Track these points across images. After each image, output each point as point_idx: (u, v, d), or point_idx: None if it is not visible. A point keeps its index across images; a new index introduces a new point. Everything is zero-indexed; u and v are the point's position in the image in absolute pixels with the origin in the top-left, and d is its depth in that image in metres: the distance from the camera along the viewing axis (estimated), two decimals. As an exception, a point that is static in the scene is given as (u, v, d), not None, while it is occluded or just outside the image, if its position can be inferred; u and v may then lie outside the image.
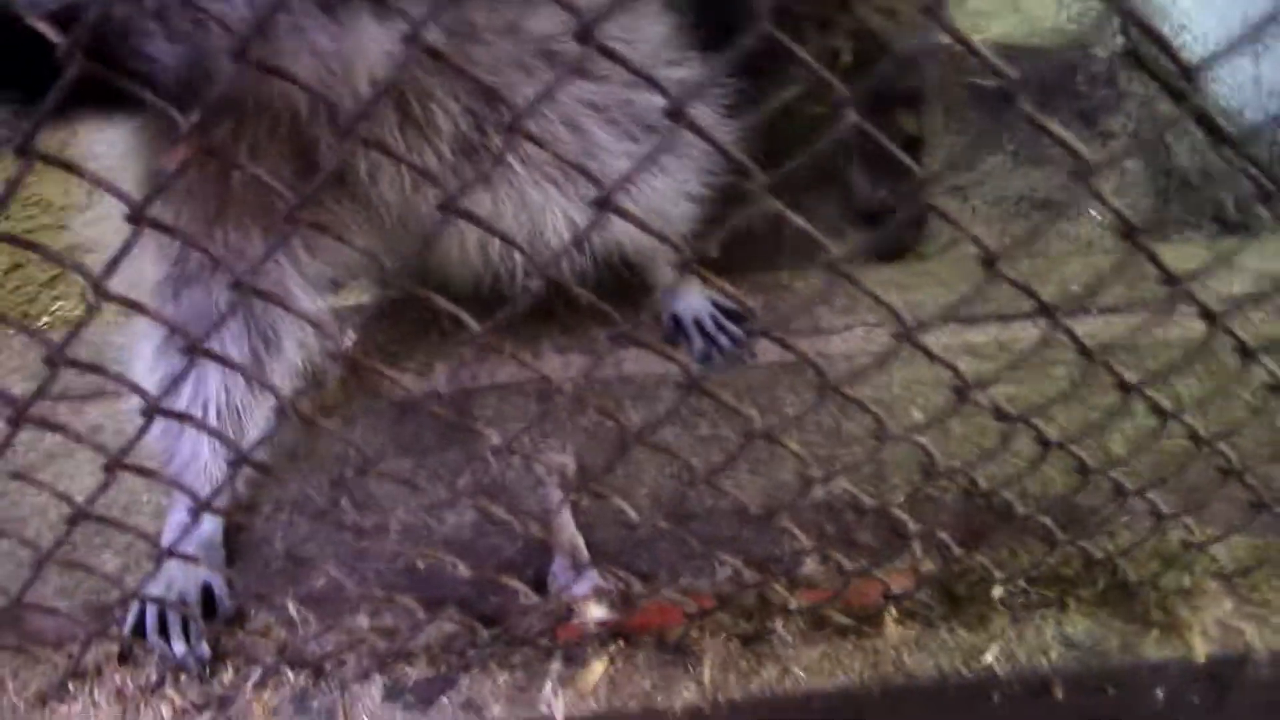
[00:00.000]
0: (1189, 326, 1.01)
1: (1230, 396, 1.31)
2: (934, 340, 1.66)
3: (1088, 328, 1.57)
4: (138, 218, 0.84)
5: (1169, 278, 0.83)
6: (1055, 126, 0.74)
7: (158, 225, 0.84)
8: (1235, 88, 2.56)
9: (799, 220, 0.83)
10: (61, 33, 0.75)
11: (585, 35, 0.76)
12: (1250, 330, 1.46)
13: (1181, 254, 1.88)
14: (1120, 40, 3.02)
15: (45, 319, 2.54)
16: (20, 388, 1.64)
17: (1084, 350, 0.88)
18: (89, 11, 0.84)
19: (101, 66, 0.83)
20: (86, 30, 0.75)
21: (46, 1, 0.85)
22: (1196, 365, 1.39)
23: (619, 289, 1.43)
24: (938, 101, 2.63)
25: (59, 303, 2.56)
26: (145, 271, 1.28)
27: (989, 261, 0.80)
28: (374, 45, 0.93)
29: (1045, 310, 0.83)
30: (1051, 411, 1.27)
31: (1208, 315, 0.88)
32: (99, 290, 0.88)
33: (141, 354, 1.33)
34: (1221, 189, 2.61)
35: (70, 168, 0.87)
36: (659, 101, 1.00)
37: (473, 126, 1.09)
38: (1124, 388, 0.92)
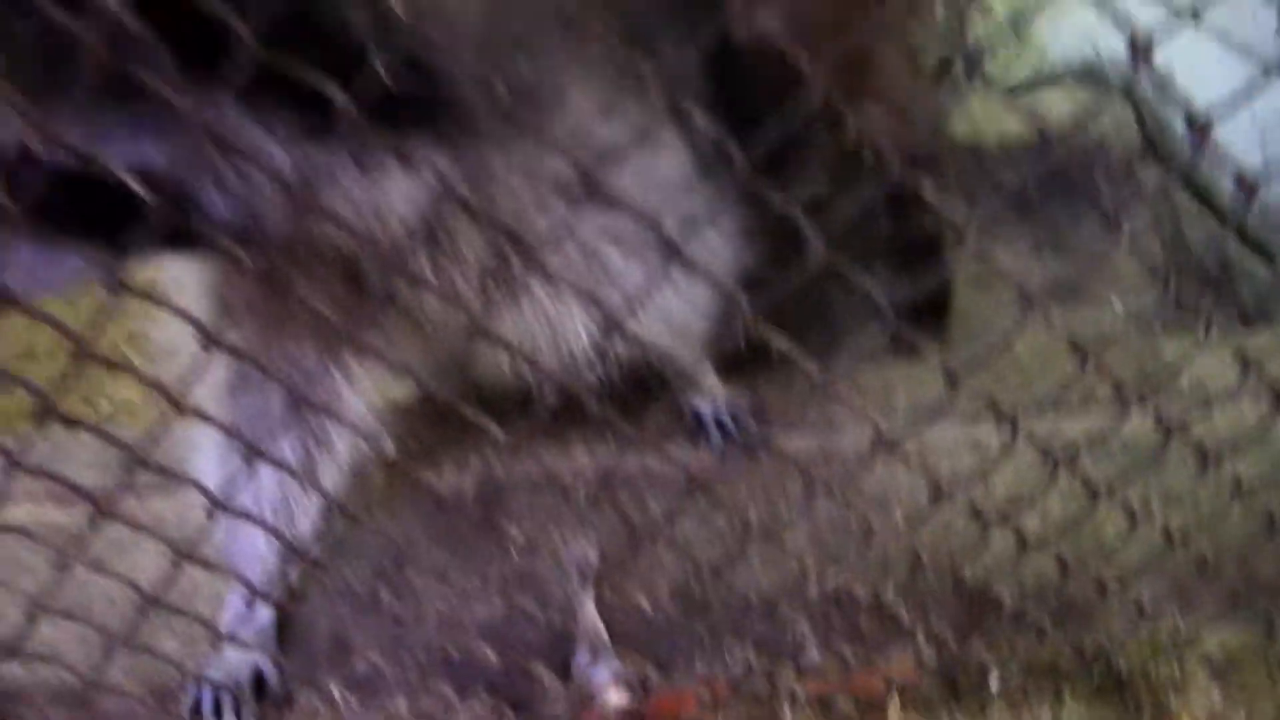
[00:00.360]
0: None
1: (1216, 486, 1.37)
2: (939, 434, 1.74)
3: (1084, 423, 1.66)
4: (210, 344, 0.98)
5: (1119, 391, 0.92)
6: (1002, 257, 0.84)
7: (228, 349, 0.97)
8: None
9: (784, 344, 0.94)
10: (143, 185, 0.90)
11: (592, 188, 0.89)
12: (1235, 422, 1.53)
13: (1184, 348, 1.95)
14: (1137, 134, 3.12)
15: (104, 401, 2.71)
16: (90, 479, 1.78)
17: (1047, 454, 0.97)
18: (162, 166, 0.99)
19: (179, 214, 0.98)
20: (168, 185, 0.90)
21: (127, 156, 0.99)
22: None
23: (645, 385, 1.55)
24: (958, 197, 2.73)
25: (110, 386, 2.72)
26: (212, 377, 1.42)
27: (950, 376, 0.90)
28: (401, 193, 1.06)
29: (1005, 418, 0.92)
30: (1049, 502, 1.35)
31: (1162, 424, 0.96)
32: (177, 406, 1.02)
33: (206, 452, 1.46)
34: (1239, 281, 2.67)
35: (153, 299, 1.01)
36: (668, 229, 1.13)
37: (495, 255, 1.22)
38: (1092, 492, 1.01)
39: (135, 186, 0.88)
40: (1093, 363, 0.88)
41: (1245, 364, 0.95)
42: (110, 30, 0.81)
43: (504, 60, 1.10)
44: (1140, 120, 3.14)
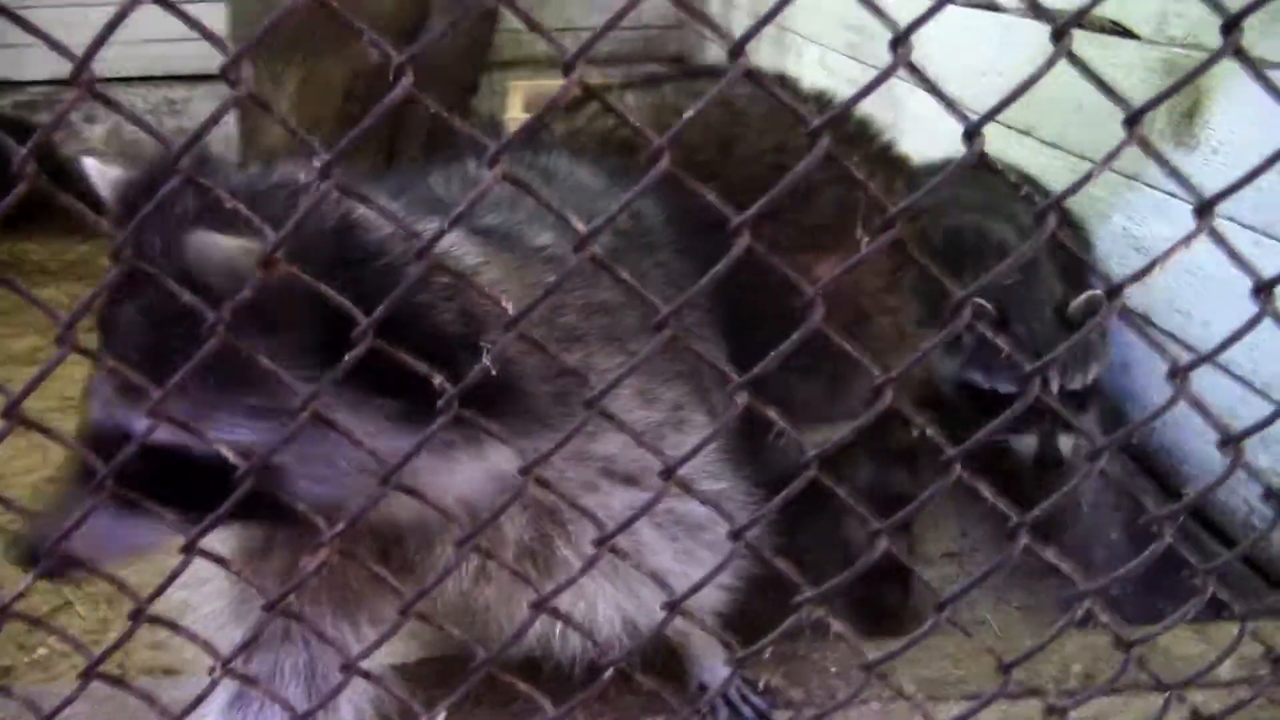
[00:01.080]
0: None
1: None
2: (943, 711, 1.73)
3: (1091, 710, 1.66)
4: (272, 609, 0.99)
5: (1160, 685, 0.96)
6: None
7: (291, 615, 0.99)
8: (1209, 476, 2.74)
9: (835, 621, 0.97)
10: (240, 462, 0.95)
11: (668, 474, 0.96)
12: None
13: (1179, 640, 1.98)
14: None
15: (39, 651, 2.58)
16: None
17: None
18: (252, 446, 1.03)
19: (265, 490, 1.01)
20: (260, 463, 0.95)
21: (224, 435, 1.04)
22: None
23: (654, 657, 1.54)
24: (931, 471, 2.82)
25: (49, 640, 2.60)
26: (226, 635, 1.39)
27: (1003, 666, 0.93)
28: (464, 478, 1.14)
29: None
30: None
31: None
32: (225, 668, 1.02)
33: (211, 710, 1.41)
34: (1214, 572, 2.69)
35: (224, 563, 1.03)
36: (697, 509, 1.20)
37: (535, 535, 1.27)
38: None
39: (239, 464, 0.93)
40: (1134, 664, 0.92)
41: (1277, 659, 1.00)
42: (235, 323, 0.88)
43: (561, 353, 1.20)
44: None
